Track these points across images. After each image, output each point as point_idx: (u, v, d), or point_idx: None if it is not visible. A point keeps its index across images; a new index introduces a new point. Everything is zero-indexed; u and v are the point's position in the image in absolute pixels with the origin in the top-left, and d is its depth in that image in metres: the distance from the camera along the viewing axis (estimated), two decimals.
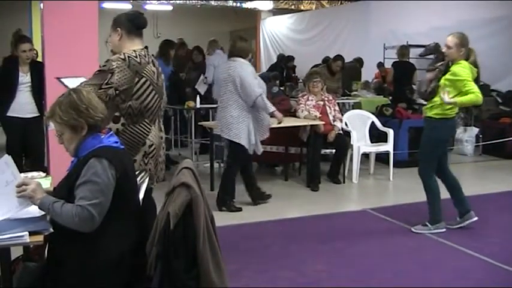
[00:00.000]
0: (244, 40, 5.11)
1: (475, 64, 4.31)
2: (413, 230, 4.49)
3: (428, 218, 4.50)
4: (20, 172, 2.68)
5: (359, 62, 10.70)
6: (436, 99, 4.31)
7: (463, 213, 4.58)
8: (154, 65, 3.26)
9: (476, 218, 4.54)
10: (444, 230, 4.46)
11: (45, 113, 2.44)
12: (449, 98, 4.14)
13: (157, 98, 3.24)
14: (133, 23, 3.23)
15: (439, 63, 4.32)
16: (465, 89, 4.16)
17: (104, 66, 3.11)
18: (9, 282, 2.15)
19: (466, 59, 4.27)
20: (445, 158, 4.65)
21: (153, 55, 3.41)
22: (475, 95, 4.14)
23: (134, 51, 3.17)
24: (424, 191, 4.51)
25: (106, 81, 3.06)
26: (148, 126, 3.21)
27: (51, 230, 2.08)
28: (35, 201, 2.14)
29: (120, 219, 2.23)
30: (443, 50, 4.32)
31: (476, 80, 9.92)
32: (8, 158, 2.29)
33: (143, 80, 3.15)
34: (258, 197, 5.30)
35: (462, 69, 4.20)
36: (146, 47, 3.28)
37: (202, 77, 7.81)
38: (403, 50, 8.51)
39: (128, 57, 3.12)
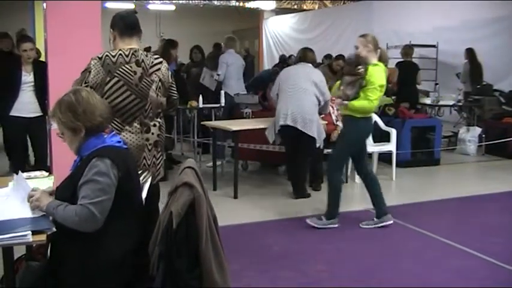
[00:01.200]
0: (312, 51, 5.90)
1: (385, 64, 4.50)
2: (308, 221, 4.55)
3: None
4: (23, 172, 2.70)
5: None
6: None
7: (380, 214, 4.61)
8: (139, 66, 3.20)
9: (391, 222, 4.57)
10: (337, 225, 4.53)
11: (49, 112, 2.45)
12: (342, 101, 4.34)
13: (134, 98, 3.20)
14: (123, 22, 3.24)
15: (360, 67, 4.32)
16: (367, 93, 4.28)
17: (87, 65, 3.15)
18: (12, 281, 2.15)
19: (380, 60, 4.42)
20: (363, 155, 4.71)
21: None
22: (368, 102, 4.30)
23: (120, 50, 3.17)
24: (328, 187, 4.58)
25: (84, 80, 3.09)
26: (120, 126, 3.19)
27: (54, 229, 2.09)
28: (41, 208, 2.20)
29: (122, 218, 2.23)
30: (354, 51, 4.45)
31: (479, 80, 9.87)
32: (20, 175, 2.43)
33: (115, 80, 3.13)
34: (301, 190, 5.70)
35: (378, 73, 4.32)
36: (149, 48, 3.28)
37: (205, 69, 7.79)
38: (407, 49, 8.49)
39: (106, 56, 3.13)
